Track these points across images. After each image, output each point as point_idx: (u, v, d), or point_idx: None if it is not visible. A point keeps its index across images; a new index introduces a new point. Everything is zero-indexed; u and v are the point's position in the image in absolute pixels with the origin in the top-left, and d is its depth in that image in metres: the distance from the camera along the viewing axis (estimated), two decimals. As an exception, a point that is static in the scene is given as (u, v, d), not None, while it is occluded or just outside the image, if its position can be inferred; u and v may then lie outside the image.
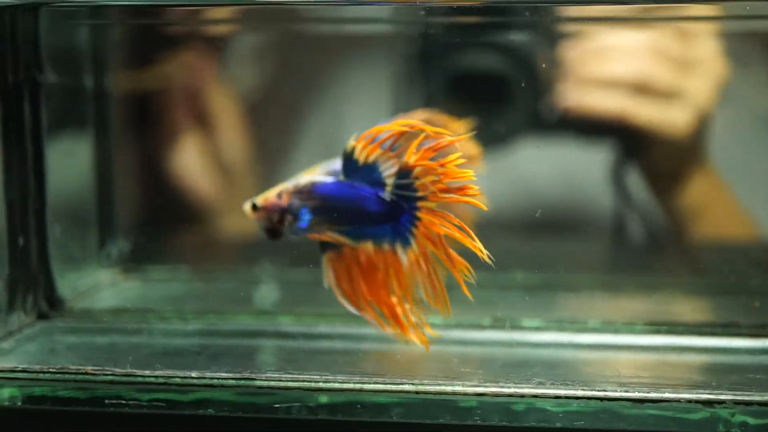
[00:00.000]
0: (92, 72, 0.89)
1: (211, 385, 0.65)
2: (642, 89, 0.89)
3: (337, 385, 0.64)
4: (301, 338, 0.76)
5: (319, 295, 0.83)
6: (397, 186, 0.65)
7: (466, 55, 0.91)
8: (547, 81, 0.90)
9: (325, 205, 0.66)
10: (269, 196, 0.67)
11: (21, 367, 0.67)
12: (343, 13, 0.90)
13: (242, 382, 0.65)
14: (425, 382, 0.64)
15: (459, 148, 0.64)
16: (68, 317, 0.81)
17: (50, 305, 0.81)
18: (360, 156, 0.65)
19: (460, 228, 0.64)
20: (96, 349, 0.74)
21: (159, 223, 0.99)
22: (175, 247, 0.99)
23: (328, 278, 0.67)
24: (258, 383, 0.64)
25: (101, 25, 0.90)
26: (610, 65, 0.90)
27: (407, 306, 0.67)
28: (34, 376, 0.67)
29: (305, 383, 0.64)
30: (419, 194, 0.64)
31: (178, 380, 0.65)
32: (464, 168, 0.63)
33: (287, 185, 0.67)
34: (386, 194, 0.65)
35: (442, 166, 0.63)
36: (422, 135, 0.63)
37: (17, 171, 0.77)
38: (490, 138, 0.89)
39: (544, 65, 0.90)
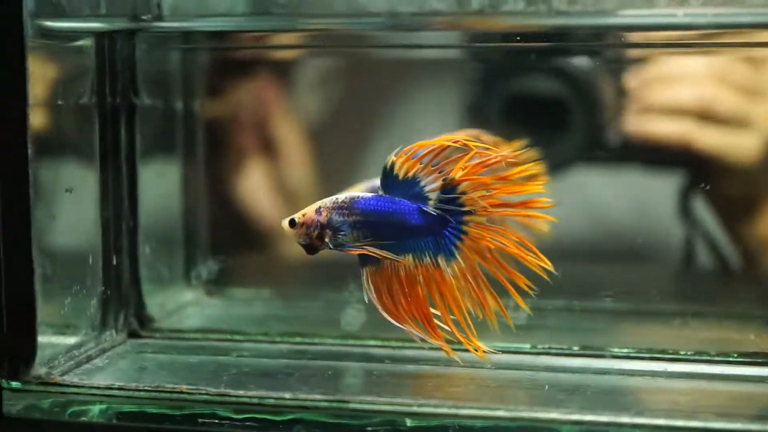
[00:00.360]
0: (181, 96, 0.91)
1: (305, 407, 0.65)
2: (708, 116, 0.87)
3: (430, 410, 0.64)
4: (388, 361, 0.76)
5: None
6: (440, 201, 0.65)
7: (528, 80, 0.91)
8: (610, 107, 0.89)
9: (365, 220, 0.66)
10: (308, 212, 0.67)
11: (117, 384, 0.68)
12: (410, 39, 0.91)
13: (335, 404, 0.65)
14: (520, 407, 0.63)
15: (516, 165, 0.65)
16: (158, 336, 0.82)
17: (140, 324, 0.82)
18: (400, 171, 0.66)
19: (519, 244, 0.64)
20: (186, 368, 0.75)
21: (242, 244, 1.00)
22: (258, 269, 1.01)
23: (369, 292, 0.67)
24: (351, 406, 0.65)
25: (191, 50, 0.92)
26: (675, 91, 0.89)
27: (452, 318, 0.66)
28: (130, 393, 0.67)
29: (398, 407, 0.64)
30: (466, 209, 0.65)
31: (271, 401, 0.66)
32: (526, 183, 0.64)
33: (325, 201, 0.67)
34: (429, 208, 0.65)
35: (502, 179, 0.64)
36: (471, 151, 0.64)
37: (112, 191, 0.79)
38: (551, 163, 0.88)
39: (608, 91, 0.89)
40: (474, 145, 0.64)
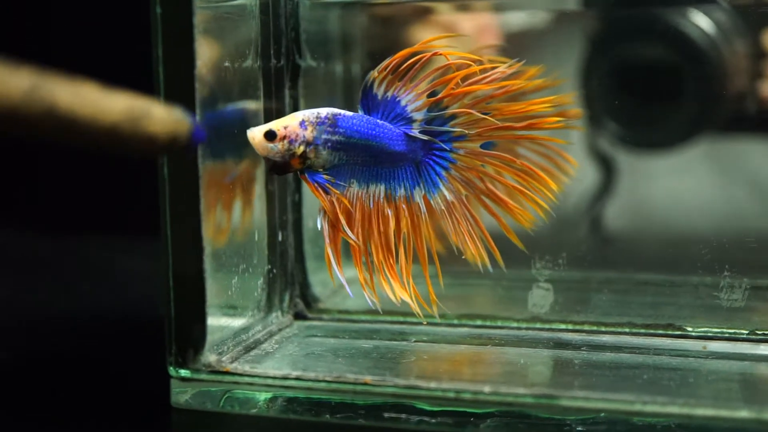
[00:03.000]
0: (341, 57, 0.84)
1: (508, 403, 0.57)
2: None
3: (656, 408, 0.55)
4: (584, 349, 0.68)
5: (598, 300, 0.75)
6: (426, 122, 0.58)
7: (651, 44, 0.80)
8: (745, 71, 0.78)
9: (345, 141, 0.59)
10: (290, 124, 0.58)
11: (294, 374, 0.62)
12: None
13: (543, 400, 0.57)
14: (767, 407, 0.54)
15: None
16: (325, 318, 0.75)
17: (306, 304, 0.76)
18: (378, 90, 0.58)
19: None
20: (361, 355, 0.68)
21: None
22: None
23: (323, 221, 0.59)
24: (563, 403, 0.56)
25: (350, 8, 0.84)
26: None
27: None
28: (309, 384, 0.61)
29: (618, 405, 0.56)
30: (456, 133, 0.58)
31: (468, 395, 0.58)
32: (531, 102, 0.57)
33: (306, 114, 0.59)
34: (415, 132, 0.58)
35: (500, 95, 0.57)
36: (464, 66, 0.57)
37: (277, 161, 0.72)
38: (678, 133, 0.80)
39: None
40: (462, 61, 0.57)
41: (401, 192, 0.59)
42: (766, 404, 0.55)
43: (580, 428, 0.56)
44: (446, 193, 0.59)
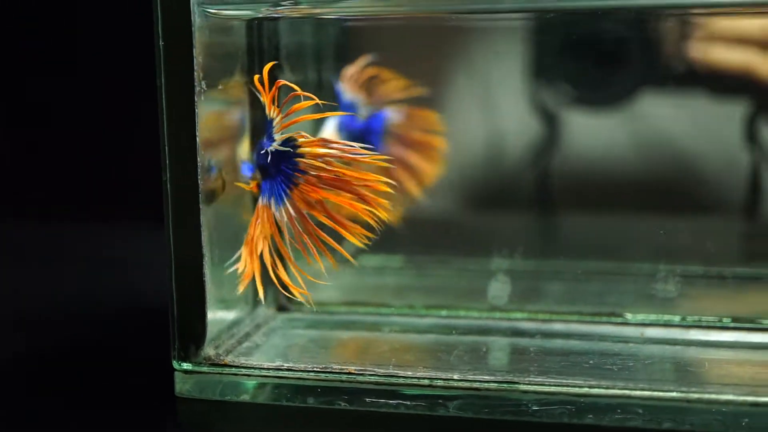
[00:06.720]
0: (315, 68, 0.91)
1: (476, 388, 0.66)
2: None
3: (601, 391, 0.64)
4: (538, 336, 0.77)
5: (551, 290, 0.84)
6: (281, 143, 0.66)
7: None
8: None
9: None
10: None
11: (286, 365, 0.70)
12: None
13: (506, 385, 0.66)
14: (693, 389, 0.63)
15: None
16: (304, 309, 0.83)
17: (287, 297, 0.83)
18: (268, 112, 0.66)
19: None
20: (342, 346, 0.76)
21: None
22: (389, 236, 1.00)
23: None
24: (522, 387, 0.65)
25: (322, 22, 0.91)
26: (740, 19, 0.87)
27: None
28: (299, 375, 0.69)
29: (571, 389, 0.65)
30: (299, 151, 0.65)
31: (441, 383, 0.67)
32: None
33: None
34: (270, 147, 0.66)
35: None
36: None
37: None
38: (611, 93, 0.87)
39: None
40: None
41: (265, 201, 0.67)
42: (693, 385, 0.64)
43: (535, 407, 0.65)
44: (290, 208, 0.66)
